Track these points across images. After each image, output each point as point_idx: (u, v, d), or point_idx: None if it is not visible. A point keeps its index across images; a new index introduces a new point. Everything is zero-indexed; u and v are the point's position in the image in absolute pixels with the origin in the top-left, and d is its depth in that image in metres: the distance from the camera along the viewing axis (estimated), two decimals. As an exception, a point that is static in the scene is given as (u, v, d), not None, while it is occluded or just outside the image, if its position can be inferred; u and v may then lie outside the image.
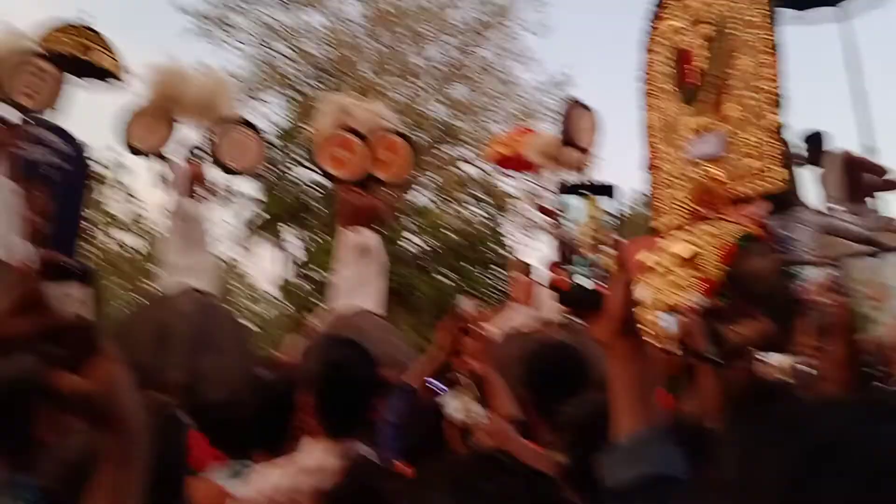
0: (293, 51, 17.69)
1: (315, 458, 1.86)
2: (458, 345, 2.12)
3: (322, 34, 17.79)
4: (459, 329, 2.12)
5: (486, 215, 18.42)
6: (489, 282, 17.92)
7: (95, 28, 8.21)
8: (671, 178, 6.65)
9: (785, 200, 5.74)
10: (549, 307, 6.84)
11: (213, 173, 8.13)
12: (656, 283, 5.69)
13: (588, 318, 1.02)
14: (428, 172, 17.51)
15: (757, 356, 2.60)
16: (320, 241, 16.41)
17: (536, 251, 16.82)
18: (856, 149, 6.75)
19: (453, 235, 17.77)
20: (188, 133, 8.08)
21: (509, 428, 1.77)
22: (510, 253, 17.14)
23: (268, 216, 17.61)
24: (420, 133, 16.68)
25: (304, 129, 14.56)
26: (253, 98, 17.12)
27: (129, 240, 20.19)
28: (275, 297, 20.15)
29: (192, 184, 7.84)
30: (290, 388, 2.35)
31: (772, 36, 5.88)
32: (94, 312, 1.03)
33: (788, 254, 5.19)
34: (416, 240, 17.98)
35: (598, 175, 8.73)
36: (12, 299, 1.04)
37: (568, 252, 1.01)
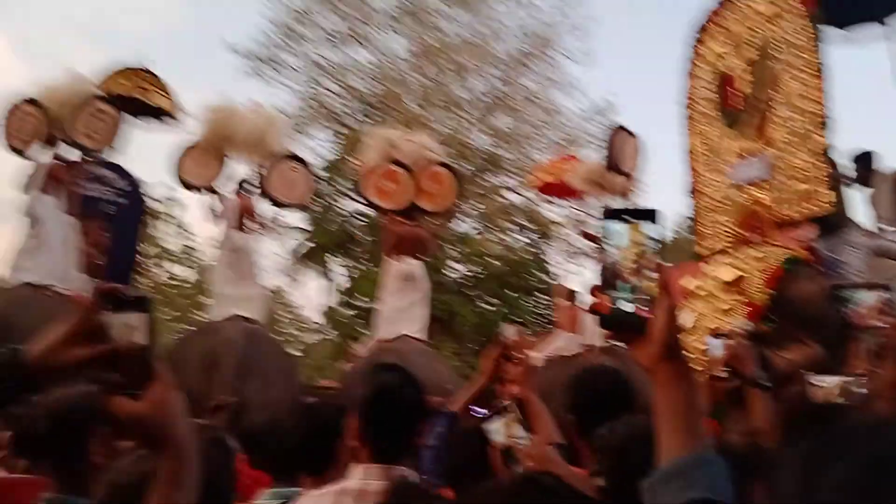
0: (340, 87, 18.06)
1: (357, 480, 1.88)
2: (501, 371, 2.13)
3: (368, 70, 18.13)
4: (502, 355, 2.13)
5: (530, 242, 18.40)
6: (533, 309, 17.84)
7: (152, 70, 8.54)
8: (714, 203, 6.60)
9: (833, 223, 5.63)
10: (594, 333, 6.79)
11: (262, 206, 8.34)
12: (701, 307, 5.62)
13: (631, 343, 1.02)
14: (471, 201, 17.59)
15: (809, 379, 2.55)
16: (364, 269, 16.56)
17: (581, 277, 16.75)
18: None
19: (496, 262, 17.77)
20: (239, 168, 8.32)
21: (551, 450, 1.77)
22: (554, 279, 17.06)
23: (314, 246, 17.87)
24: (464, 163, 16.80)
25: (350, 161, 14.81)
26: (301, 133, 17.49)
27: (179, 271, 20.64)
28: (320, 325, 20.33)
29: (242, 217, 8.05)
30: (335, 413, 2.38)
31: (817, 57, 5.81)
32: (149, 339, 1.07)
33: (837, 277, 5.07)
34: (460, 267, 18.02)
35: (643, 200, 8.68)
36: (70, 329, 1.08)
37: (611, 277, 1.02)
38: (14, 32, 36.87)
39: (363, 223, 17.37)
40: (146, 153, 10.03)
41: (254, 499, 2.50)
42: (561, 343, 7.45)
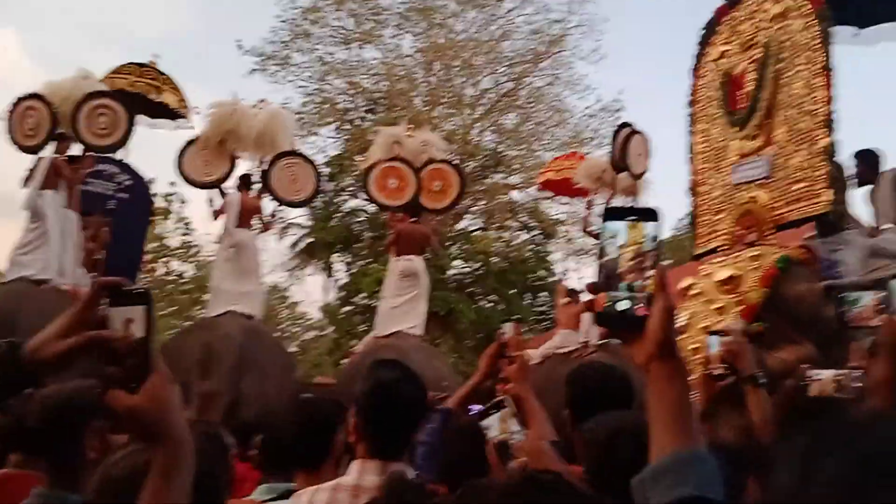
0: (349, 85, 18.03)
1: (354, 476, 1.88)
2: (497, 368, 2.13)
3: (377, 68, 18.10)
4: (498, 352, 2.13)
5: (533, 241, 18.39)
6: (534, 307, 17.86)
7: (162, 69, 8.56)
8: (715, 202, 6.59)
9: (833, 223, 5.62)
10: (595, 331, 6.81)
11: (266, 204, 8.36)
12: (698, 306, 5.62)
13: (628, 341, 1.03)
14: (477, 199, 17.58)
15: (805, 373, 2.56)
16: (366, 267, 16.57)
17: (582, 276, 16.75)
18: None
19: (497, 259, 17.78)
20: (244, 165, 8.34)
21: (546, 446, 1.77)
22: (556, 278, 17.08)
23: (315, 242, 17.87)
24: (470, 161, 16.79)
25: (355, 159, 14.81)
26: (308, 131, 17.50)
27: (179, 266, 20.61)
28: (320, 322, 20.35)
29: (246, 214, 8.06)
30: (330, 409, 2.38)
31: (824, 58, 5.79)
32: (148, 333, 1.07)
33: (834, 276, 5.07)
34: (460, 263, 18.03)
35: (649, 199, 8.69)
36: (69, 321, 1.09)
37: (609, 275, 1.02)
38: (29, 37, 37.20)
39: (366, 221, 17.38)
40: (148, 148, 10.07)
41: (240, 493, 2.50)
42: (558, 340, 7.47)
